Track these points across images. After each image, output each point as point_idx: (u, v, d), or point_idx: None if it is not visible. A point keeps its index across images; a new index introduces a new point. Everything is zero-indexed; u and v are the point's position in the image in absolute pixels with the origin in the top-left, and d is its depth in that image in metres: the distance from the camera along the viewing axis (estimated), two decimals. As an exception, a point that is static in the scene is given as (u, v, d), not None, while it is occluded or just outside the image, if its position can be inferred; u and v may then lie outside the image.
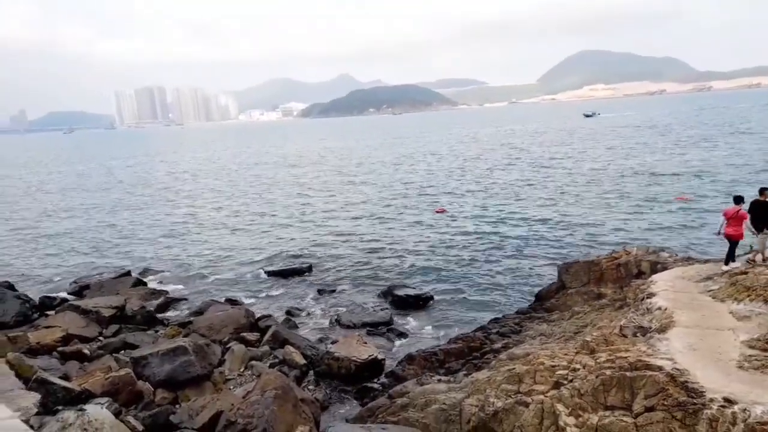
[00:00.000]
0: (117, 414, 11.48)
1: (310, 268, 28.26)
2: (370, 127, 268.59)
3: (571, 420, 8.71)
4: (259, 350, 17.32)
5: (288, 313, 22.37)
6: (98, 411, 10.70)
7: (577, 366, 9.66)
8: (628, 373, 8.63)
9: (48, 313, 21.93)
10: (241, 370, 15.98)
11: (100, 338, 18.77)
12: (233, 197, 55.63)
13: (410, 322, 21.15)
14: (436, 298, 23.19)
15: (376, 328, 20.24)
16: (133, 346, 17.34)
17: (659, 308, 11.12)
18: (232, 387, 14.85)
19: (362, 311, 21.86)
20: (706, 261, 15.40)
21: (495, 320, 18.51)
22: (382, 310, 21.96)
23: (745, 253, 13.84)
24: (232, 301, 23.68)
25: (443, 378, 13.30)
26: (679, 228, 30.75)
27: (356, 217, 40.99)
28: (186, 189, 64.66)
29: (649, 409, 8.06)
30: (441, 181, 57.35)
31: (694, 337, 9.69)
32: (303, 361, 16.42)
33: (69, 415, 10.27)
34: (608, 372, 8.89)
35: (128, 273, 27.90)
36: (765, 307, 10.31)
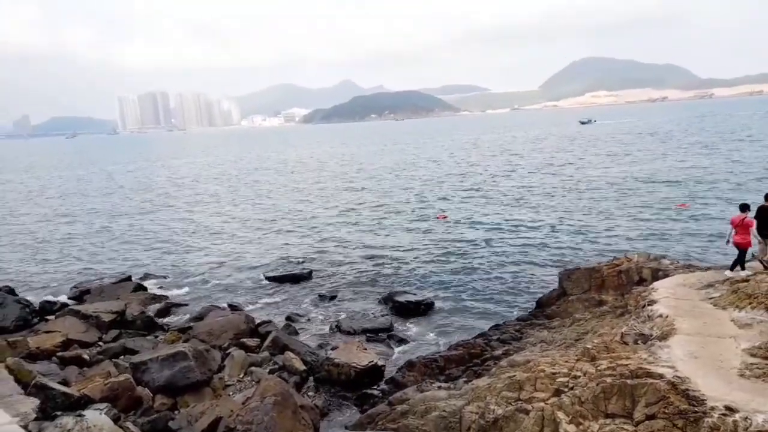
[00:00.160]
0: (116, 420, 11.43)
1: (310, 274, 28.24)
2: (372, 133, 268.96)
3: (571, 428, 8.66)
4: (259, 356, 17.28)
5: (288, 318, 22.33)
6: (97, 417, 10.67)
7: (578, 373, 9.63)
8: (629, 381, 8.59)
9: (48, 317, 21.96)
10: (241, 376, 15.94)
11: (100, 343, 18.75)
12: (234, 203, 55.69)
13: (411, 329, 21.09)
14: (436, 304, 23.13)
15: (376, 334, 20.18)
16: (133, 352, 17.32)
17: (660, 315, 11.08)
18: (231, 393, 14.80)
19: (362, 317, 21.81)
20: (708, 268, 15.36)
21: (496, 327, 18.46)
22: (382, 316, 21.92)
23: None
24: (232, 307, 23.68)
25: (443, 385, 13.25)
26: (680, 235, 30.69)
27: (357, 223, 40.99)
28: (187, 194, 64.74)
29: (650, 417, 8.02)
30: (442, 187, 57.37)
31: (696, 344, 9.65)
32: (303, 367, 16.37)
33: (67, 420, 10.25)
34: (609, 379, 8.85)
35: (129, 278, 27.91)
36: (766, 315, 10.27)
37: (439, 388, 12.84)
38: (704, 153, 71.09)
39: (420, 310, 22.50)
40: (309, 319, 22.63)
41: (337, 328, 21.03)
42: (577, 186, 50.91)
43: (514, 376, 10.55)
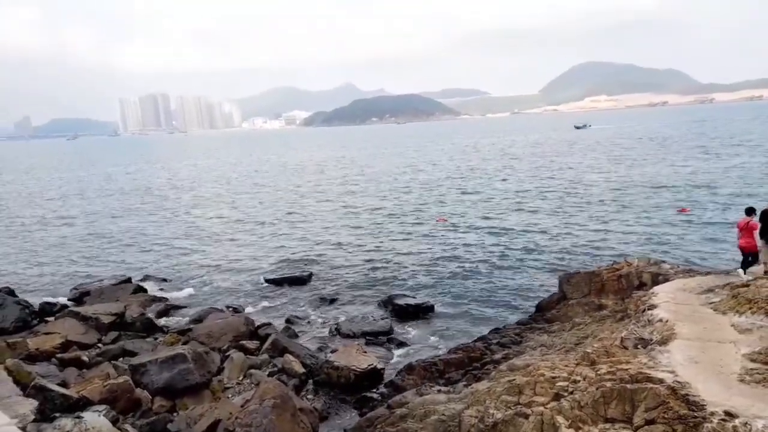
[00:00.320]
0: (114, 422, 11.43)
1: (310, 277, 28.22)
2: (373, 136, 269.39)
3: (571, 432, 8.63)
4: (259, 358, 17.26)
5: (288, 321, 22.32)
6: (95, 418, 10.67)
7: (578, 378, 9.60)
8: (628, 386, 8.57)
9: (48, 319, 21.94)
10: (240, 378, 15.92)
11: (99, 345, 18.74)
12: (234, 205, 55.72)
13: (410, 332, 21.07)
14: (436, 307, 23.10)
15: (376, 337, 20.16)
16: (132, 354, 17.31)
17: (660, 320, 11.07)
18: (230, 395, 14.79)
19: (362, 320, 21.79)
20: (708, 273, 15.35)
21: (495, 330, 18.42)
22: (382, 319, 21.90)
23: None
24: (231, 309, 23.66)
25: (443, 388, 13.23)
26: (680, 240, 30.70)
27: (357, 226, 40.99)
28: (187, 196, 64.78)
29: (650, 422, 8.00)
30: (442, 190, 57.40)
31: (696, 349, 9.64)
32: (302, 370, 16.35)
33: (66, 422, 10.25)
34: (609, 384, 8.83)
35: (128, 280, 27.90)
36: (767, 320, 10.26)
37: (439, 391, 12.82)
38: (704, 158, 71.15)
39: (420, 313, 22.50)
40: (309, 322, 22.62)
41: (337, 331, 21.01)
42: (576, 190, 50.93)
43: (514, 380, 10.52)
